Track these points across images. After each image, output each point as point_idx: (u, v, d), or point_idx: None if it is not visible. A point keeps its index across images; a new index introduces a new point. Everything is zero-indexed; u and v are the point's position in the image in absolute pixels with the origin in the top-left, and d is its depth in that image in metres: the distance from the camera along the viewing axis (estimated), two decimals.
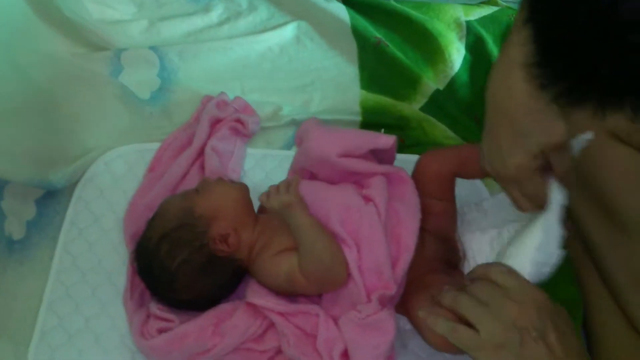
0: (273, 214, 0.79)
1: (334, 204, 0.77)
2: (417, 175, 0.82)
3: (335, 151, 0.78)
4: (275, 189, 0.74)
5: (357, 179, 0.81)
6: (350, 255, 0.74)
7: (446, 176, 0.80)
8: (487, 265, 0.70)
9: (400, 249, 0.76)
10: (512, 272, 0.67)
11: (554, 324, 0.63)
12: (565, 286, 0.84)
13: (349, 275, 0.74)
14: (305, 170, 0.84)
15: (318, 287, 0.76)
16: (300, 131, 0.84)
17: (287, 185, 0.73)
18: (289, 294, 0.79)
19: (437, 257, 0.80)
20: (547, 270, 0.68)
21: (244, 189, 0.82)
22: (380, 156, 0.82)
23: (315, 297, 0.79)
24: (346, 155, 0.79)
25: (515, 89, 0.68)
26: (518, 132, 0.68)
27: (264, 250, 0.79)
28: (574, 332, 0.67)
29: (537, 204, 0.72)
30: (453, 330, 0.65)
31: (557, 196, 0.72)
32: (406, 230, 0.76)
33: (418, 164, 0.82)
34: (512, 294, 0.64)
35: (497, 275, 0.66)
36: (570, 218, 0.85)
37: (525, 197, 0.72)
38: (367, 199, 0.78)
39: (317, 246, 0.73)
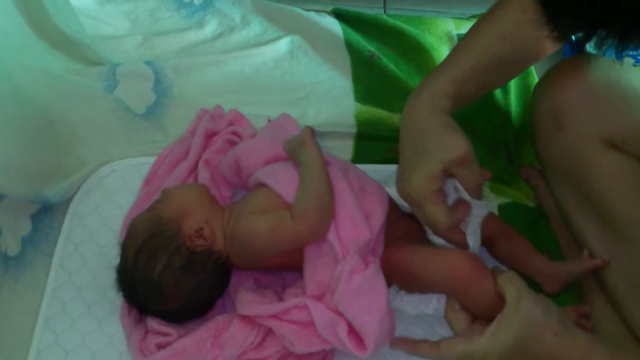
0: (238, 201, 0.85)
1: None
2: None
3: (262, 160, 0.85)
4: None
5: None
6: None
7: None
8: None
9: (374, 204, 0.79)
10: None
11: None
12: (566, 296, 0.84)
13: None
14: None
15: (308, 230, 0.75)
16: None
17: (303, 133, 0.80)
18: (270, 266, 0.81)
19: (406, 231, 0.83)
20: None
21: (203, 187, 0.86)
22: None
23: (297, 275, 0.80)
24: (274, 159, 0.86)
25: (419, 107, 0.72)
26: (419, 149, 0.71)
27: (237, 222, 0.79)
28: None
29: (434, 230, 0.76)
30: None
31: (476, 211, 0.77)
32: (372, 187, 0.82)
33: None
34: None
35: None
36: (568, 229, 0.86)
37: (423, 222, 0.76)
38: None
39: (321, 180, 0.76)
